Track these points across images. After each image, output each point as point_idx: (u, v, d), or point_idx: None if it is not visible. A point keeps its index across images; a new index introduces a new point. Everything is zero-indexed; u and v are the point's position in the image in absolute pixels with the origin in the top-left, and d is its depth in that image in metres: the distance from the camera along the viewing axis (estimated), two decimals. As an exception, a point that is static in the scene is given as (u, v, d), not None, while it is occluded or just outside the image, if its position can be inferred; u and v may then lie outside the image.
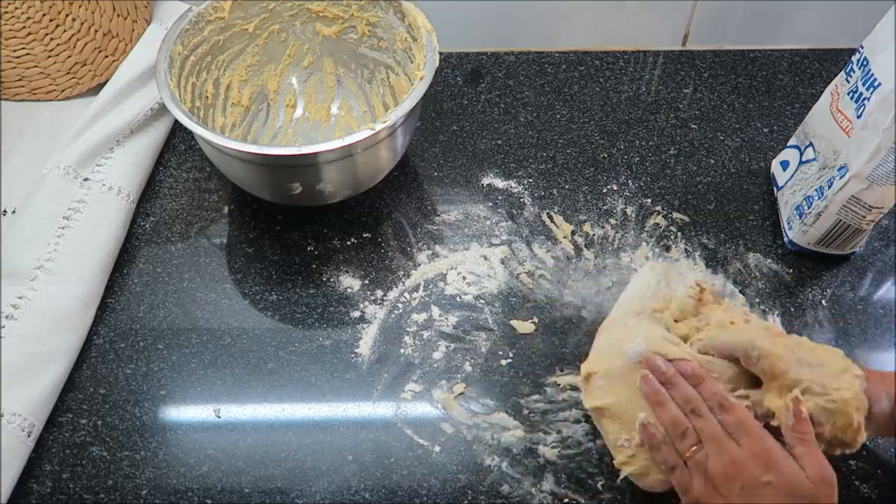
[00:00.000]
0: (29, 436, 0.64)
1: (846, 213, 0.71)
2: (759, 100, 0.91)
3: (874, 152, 0.65)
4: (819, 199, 0.72)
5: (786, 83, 0.93)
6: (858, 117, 0.67)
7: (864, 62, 0.67)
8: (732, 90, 0.92)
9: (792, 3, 0.93)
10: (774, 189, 0.81)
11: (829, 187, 0.70)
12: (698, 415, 0.57)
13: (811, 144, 0.74)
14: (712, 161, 0.85)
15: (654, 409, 0.59)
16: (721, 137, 0.87)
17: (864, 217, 0.70)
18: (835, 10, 0.92)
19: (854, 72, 0.68)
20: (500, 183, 0.83)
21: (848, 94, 0.69)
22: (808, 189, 0.74)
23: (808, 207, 0.73)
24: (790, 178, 0.77)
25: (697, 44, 0.97)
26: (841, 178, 0.69)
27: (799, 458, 0.54)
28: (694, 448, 0.56)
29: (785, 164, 0.79)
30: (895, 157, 0.65)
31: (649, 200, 0.81)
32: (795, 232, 0.75)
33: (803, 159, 0.76)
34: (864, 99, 0.66)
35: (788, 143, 0.80)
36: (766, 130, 0.87)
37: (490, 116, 0.89)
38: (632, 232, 0.79)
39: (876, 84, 0.64)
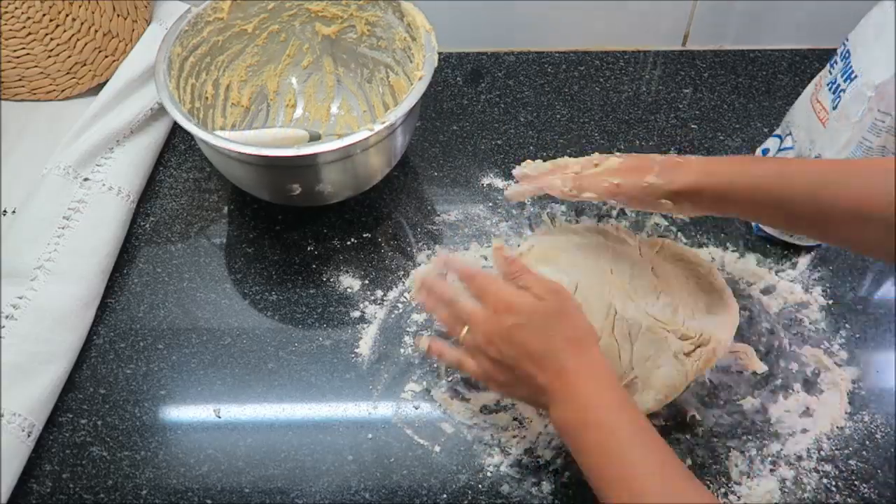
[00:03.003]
0: (29, 436, 0.64)
1: None
2: (759, 100, 0.91)
3: (844, 144, 0.66)
4: None
5: (786, 83, 0.92)
6: (834, 108, 0.67)
7: (847, 54, 0.67)
8: (732, 90, 0.92)
9: (792, 3, 0.93)
10: None
11: None
12: (452, 301, 0.61)
13: (791, 133, 0.75)
14: (712, 161, 0.85)
15: (435, 318, 0.65)
16: (721, 137, 0.87)
17: None
18: (835, 9, 0.92)
19: (836, 63, 0.69)
20: (500, 183, 0.83)
21: (827, 84, 0.69)
22: None
23: None
24: None
25: (697, 44, 0.97)
26: None
27: (527, 287, 0.58)
28: (463, 332, 0.60)
29: (765, 152, 0.80)
30: (862, 153, 0.65)
31: (649, 200, 0.81)
32: None
33: (782, 147, 0.76)
34: (841, 90, 0.66)
35: (773, 133, 0.80)
36: (766, 130, 0.87)
37: (490, 116, 0.89)
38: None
39: (853, 76, 0.65)
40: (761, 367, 0.68)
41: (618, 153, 0.65)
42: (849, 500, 0.62)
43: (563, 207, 0.80)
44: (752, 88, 0.92)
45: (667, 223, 0.79)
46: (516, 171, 0.68)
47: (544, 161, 0.68)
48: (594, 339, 0.58)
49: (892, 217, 0.52)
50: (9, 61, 0.89)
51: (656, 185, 0.59)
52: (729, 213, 0.61)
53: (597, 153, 0.66)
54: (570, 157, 0.75)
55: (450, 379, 0.69)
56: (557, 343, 0.56)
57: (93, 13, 0.87)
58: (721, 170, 0.58)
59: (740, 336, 0.71)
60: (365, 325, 0.72)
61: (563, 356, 0.56)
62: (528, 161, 0.68)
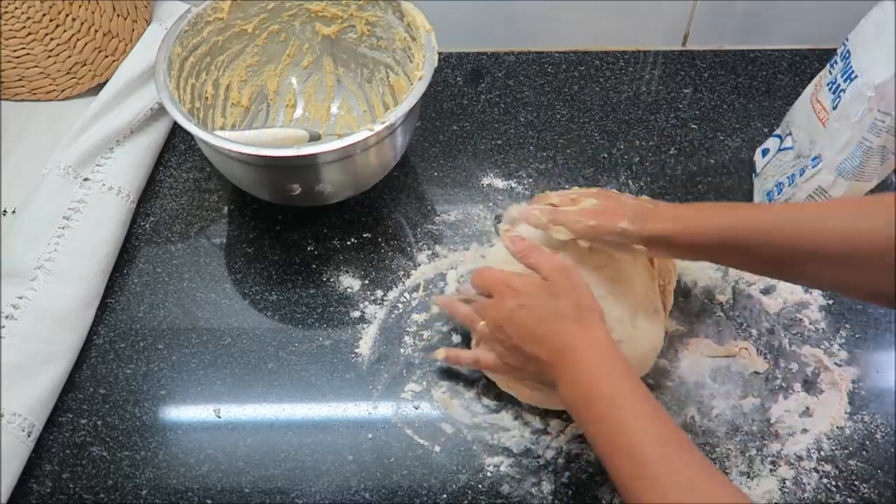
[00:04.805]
0: (29, 436, 0.64)
1: None
2: (759, 100, 0.91)
3: (844, 144, 0.66)
4: (790, 185, 0.73)
5: (786, 83, 0.92)
6: (834, 108, 0.67)
7: (847, 55, 0.67)
8: (732, 90, 0.92)
9: (792, 3, 0.93)
10: (753, 175, 0.82)
11: (801, 175, 0.71)
12: (469, 299, 0.66)
13: (791, 133, 0.75)
14: (712, 161, 0.85)
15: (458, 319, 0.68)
16: (721, 137, 0.87)
17: None
18: (835, 9, 0.92)
19: (837, 63, 0.69)
20: (500, 183, 0.83)
21: (827, 84, 0.69)
22: (780, 176, 0.75)
23: (778, 194, 0.74)
24: (766, 165, 0.78)
25: (697, 44, 0.97)
26: (814, 167, 0.69)
27: (535, 266, 0.62)
28: (480, 325, 0.63)
29: (765, 152, 0.80)
30: (862, 153, 0.65)
31: (649, 200, 0.81)
32: None
33: (782, 146, 0.76)
34: (841, 90, 0.66)
35: (773, 133, 0.80)
36: (766, 130, 0.87)
37: (490, 116, 0.89)
38: (632, 232, 0.79)
39: (853, 76, 0.65)
40: (762, 366, 0.68)
41: (594, 191, 0.66)
42: (849, 500, 0.62)
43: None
44: (752, 88, 0.92)
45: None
46: (504, 222, 0.70)
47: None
48: (598, 314, 0.59)
49: (850, 256, 0.52)
50: (9, 61, 0.89)
51: (629, 231, 0.60)
52: (700, 258, 0.62)
53: (575, 188, 0.68)
54: (569, 155, 0.75)
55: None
56: (559, 321, 0.58)
57: (93, 13, 0.87)
58: (689, 216, 0.59)
59: (741, 336, 0.71)
60: (365, 325, 0.72)
61: (565, 333, 0.58)
62: (513, 205, 0.70)
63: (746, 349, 0.69)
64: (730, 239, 0.57)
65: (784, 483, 0.63)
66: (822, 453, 0.64)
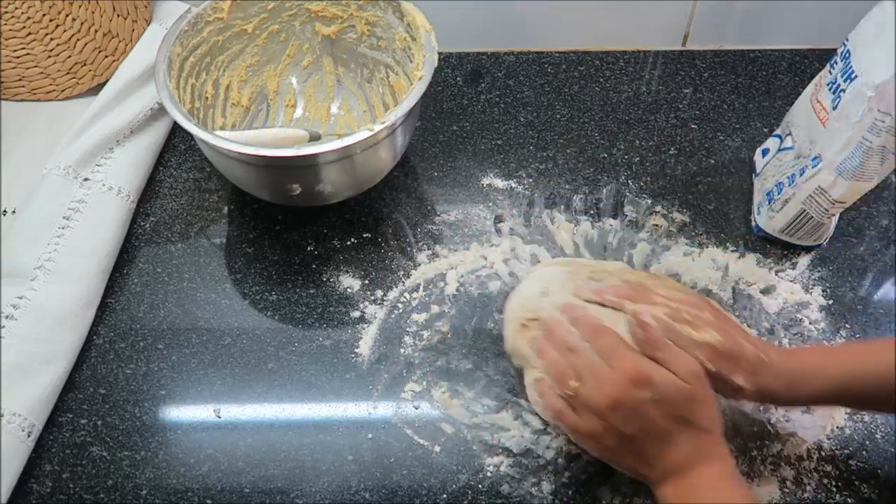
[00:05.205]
0: (29, 436, 0.64)
1: (811, 204, 0.71)
2: (759, 100, 0.91)
3: (844, 144, 0.66)
4: (790, 185, 0.73)
5: (786, 83, 0.92)
6: (834, 108, 0.67)
7: (847, 55, 0.67)
8: (732, 90, 0.92)
9: (792, 3, 0.93)
10: (753, 175, 0.82)
11: (801, 175, 0.71)
12: (572, 350, 0.58)
13: (791, 133, 0.75)
14: (712, 161, 0.85)
15: (540, 359, 0.61)
16: (721, 137, 0.87)
17: (827, 210, 0.71)
18: (835, 9, 0.92)
19: (837, 63, 0.69)
20: (500, 183, 0.83)
21: (827, 84, 0.69)
22: (780, 176, 0.75)
23: (778, 194, 0.74)
24: (766, 165, 0.78)
25: (697, 44, 0.97)
26: (813, 167, 0.69)
27: (665, 363, 0.55)
28: (573, 384, 0.57)
29: (765, 152, 0.80)
30: (862, 153, 0.65)
31: (649, 200, 0.81)
32: (762, 217, 0.77)
33: (782, 146, 0.76)
34: (841, 90, 0.67)
35: (773, 133, 0.80)
36: (766, 130, 0.87)
37: (490, 116, 0.89)
38: (632, 232, 0.79)
39: (853, 76, 0.65)
40: None
41: (705, 305, 0.59)
42: (849, 500, 0.62)
43: (562, 209, 0.80)
44: (752, 88, 0.92)
45: (667, 224, 0.79)
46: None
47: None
48: (720, 430, 0.56)
49: None
50: (9, 61, 0.89)
51: (744, 389, 0.57)
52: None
53: (670, 283, 0.63)
54: (569, 155, 0.72)
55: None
56: (690, 431, 0.54)
57: (93, 13, 0.87)
58: (801, 373, 0.58)
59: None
60: (365, 325, 0.72)
61: (695, 445, 0.54)
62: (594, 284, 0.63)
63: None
64: (844, 395, 0.59)
65: (784, 483, 0.63)
66: (823, 453, 0.64)
